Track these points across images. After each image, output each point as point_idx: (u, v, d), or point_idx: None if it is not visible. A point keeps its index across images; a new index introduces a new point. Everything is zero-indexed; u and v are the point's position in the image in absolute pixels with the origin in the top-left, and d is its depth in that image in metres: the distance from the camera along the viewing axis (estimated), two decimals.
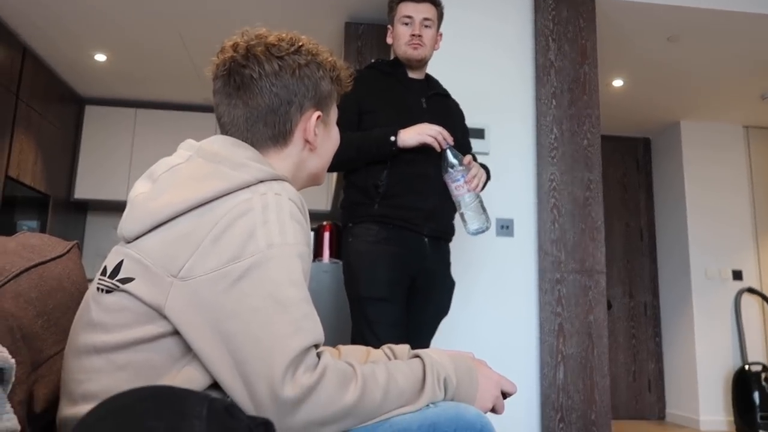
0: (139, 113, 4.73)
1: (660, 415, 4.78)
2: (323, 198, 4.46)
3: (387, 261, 1.80)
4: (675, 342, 4.74)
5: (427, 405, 0.82)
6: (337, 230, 2.92)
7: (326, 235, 2.89)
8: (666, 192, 4.99)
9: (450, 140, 1.79)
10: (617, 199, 5.08)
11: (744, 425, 4.17)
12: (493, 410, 0.90)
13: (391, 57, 2.09)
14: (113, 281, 0.80)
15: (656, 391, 4.82)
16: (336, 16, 3.38)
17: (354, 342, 1.85)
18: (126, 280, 0.79)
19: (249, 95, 0.90)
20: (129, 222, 0.82)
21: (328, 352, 0.82)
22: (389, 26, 2.04)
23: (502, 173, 2.67)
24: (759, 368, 4.23)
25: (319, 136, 0.97)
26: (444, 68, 2.39)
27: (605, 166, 4.82)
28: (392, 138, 1.78)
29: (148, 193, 0.84)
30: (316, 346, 0.76)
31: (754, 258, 4.68)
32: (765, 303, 4.55)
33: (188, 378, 0.76)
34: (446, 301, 1.99)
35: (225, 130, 0.94)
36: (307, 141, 0.95)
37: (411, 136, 1.79)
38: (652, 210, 5.13)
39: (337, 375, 0.74)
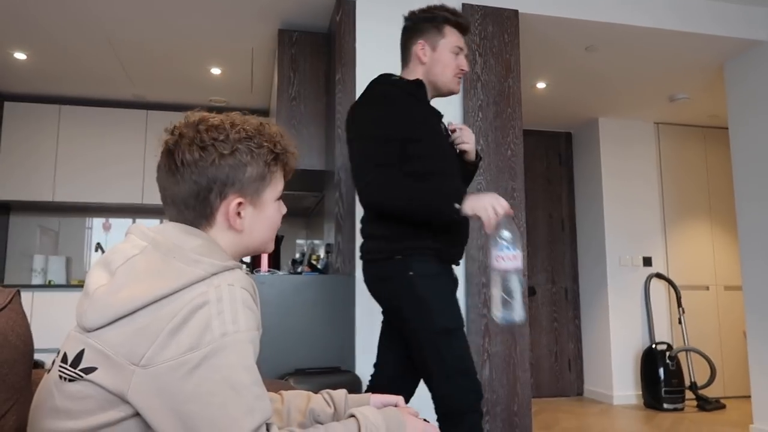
0: (64, 110, 4.54)
1: (579, 391, 5.18)
2: None
3: (451, 293, 1.85)
4: (592, 324, 5.13)
5: None
6: (277, 240, 2.98)
7: None
8: (586, 184, 5.33)
9: (511, 212, 1.69)
10: (541, 190, 5.37)
11: (651, 399, 4.61)
12: None
13: (411, 76, 1.93)
14: (76, 371, 0.87)
15: (575, 369, 5.21)
16: (269, 22, 3.36)
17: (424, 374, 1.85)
18: (89, 370, 0.86)
19: (174, 181, 0.98)
20: (90, 314, 0.89)
21: (274, 420, 0.93)
22: (422, 41, 1.91)
23: None
24: (664, 347, 4.67)
25: (246, 219, 1.02)
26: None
27: (530, 159, 5.09)
28: (456, 206, 1.69)
29: (108, 286, 0.91)
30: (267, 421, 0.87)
31: (662, 245, 5.11)
32: (671, 287, 4.99)
33: None
34: None
35: (166, 205, 1.02)
36: (230, 224, 1.01)
37: (474, 207, 1.67)
38: (573, 201, 5.46)
39: None
